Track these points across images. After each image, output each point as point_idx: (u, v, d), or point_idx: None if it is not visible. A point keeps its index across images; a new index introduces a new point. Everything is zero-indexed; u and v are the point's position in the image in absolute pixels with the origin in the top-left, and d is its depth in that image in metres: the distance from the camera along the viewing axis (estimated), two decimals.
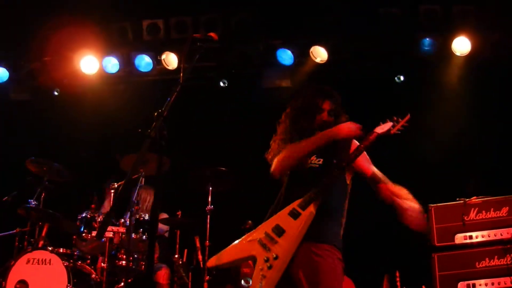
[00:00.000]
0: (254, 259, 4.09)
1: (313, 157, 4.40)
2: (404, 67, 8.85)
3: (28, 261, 6.83)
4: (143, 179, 7.21)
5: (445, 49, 8.33)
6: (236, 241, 4.29)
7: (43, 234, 7.33)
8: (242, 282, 7.82)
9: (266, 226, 4.18)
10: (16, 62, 9.54)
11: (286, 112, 4.69)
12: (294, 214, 4.10)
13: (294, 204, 4.15)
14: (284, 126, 4.61)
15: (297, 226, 4.04)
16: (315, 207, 4.11)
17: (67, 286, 6.74)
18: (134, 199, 7.05)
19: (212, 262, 4.35)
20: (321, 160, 4.39)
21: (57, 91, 9.80)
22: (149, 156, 6.54)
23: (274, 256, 3.99)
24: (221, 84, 9.44)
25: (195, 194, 7.78)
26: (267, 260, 3.99)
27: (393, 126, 4.29)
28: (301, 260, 4.05)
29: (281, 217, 4.15)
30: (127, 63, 9.23)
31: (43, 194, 7.63)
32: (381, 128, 4.31)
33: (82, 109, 9.42)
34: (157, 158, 3.58)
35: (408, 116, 4.34)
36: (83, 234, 7.10)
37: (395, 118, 4.34)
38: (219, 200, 7.58)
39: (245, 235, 4.29)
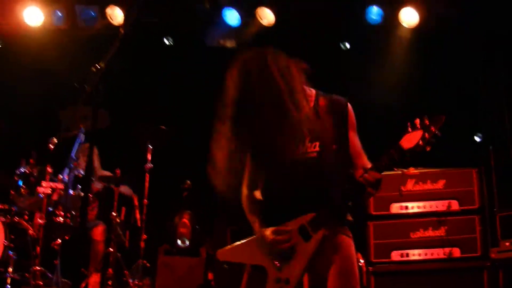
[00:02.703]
0: (264, 269, 3.62)
1: (306, 140, 3.62)
2: (351, 35, 8.86)
3: None
4: (83, 135, 7.12)
5: (392, 19, 8.36)
6: (246, 242, 3.73)
7: None
8: (179, 242, 7.84)
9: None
10: None
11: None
12: (305, 235, 3.50)
13: (304, 220, 3.50)
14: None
15: (308, 251, 3.50)
16: (328, 228, 3.53)
17: (4, 242, 6.65)
18: (73, 155, 6.97)
19: (220, 255, 3.81)
20: (317, 144, 3.65)
21: None
22: (89, 112, 6.43)
23: (285, 279, 3.54)
24: (166, 41, 9.33)
25: (134, 152, 7.75)
26: (278, 281, 3.55)
27: (423, 139, 3.32)
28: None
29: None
30: (72, 16, 8.95)
31: None
32: (408, 141, 3.37)
33: (24, 62, 9.16)
34: (93, 113, 3.54)
35: (443, 118, 3.34)
36: (21, 190, 7.01)
37: (427, 122, 3.35)
38: (158, 159, 7.57)
39: (253, 239, 3.70)
